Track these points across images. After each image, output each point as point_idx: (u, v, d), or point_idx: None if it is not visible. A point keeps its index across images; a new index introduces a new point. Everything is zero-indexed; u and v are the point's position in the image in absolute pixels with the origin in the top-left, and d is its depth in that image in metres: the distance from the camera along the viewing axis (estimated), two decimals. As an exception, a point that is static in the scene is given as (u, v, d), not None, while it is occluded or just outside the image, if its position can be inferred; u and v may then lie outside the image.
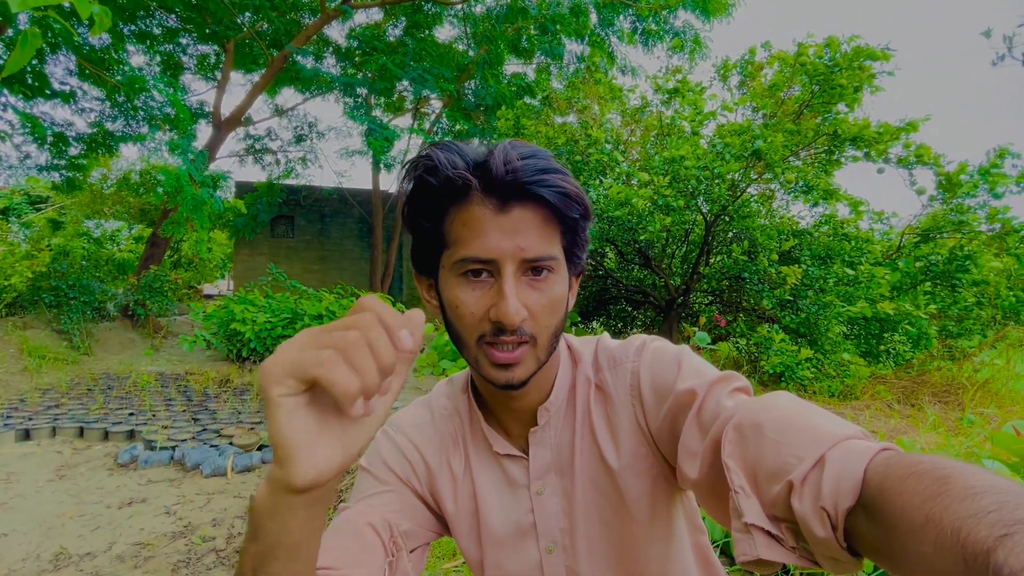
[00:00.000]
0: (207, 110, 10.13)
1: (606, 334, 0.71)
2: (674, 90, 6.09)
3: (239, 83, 11.72)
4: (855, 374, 4.93)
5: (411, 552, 0.63)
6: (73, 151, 8.91)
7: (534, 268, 0.54)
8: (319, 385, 0.35)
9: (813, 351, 4.77)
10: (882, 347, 5.57)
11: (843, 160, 5.88)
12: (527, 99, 10.01)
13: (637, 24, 9.52)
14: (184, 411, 4.46)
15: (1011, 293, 5.33)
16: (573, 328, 6.63)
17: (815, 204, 5.66)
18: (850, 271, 5.25)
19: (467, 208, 0.53)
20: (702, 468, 0.50)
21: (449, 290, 0.55)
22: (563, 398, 0.65)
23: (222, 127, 9.32)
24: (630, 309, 7.80)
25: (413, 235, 0.59)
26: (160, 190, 8.66)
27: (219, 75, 9.91)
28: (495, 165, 0.51)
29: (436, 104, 12.23)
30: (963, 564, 0.26)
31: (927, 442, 2.41)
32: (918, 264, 5.80)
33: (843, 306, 4.99)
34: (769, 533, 0.41)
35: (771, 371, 4.62)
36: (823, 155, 5.95)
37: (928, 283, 5.78)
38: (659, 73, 7.44)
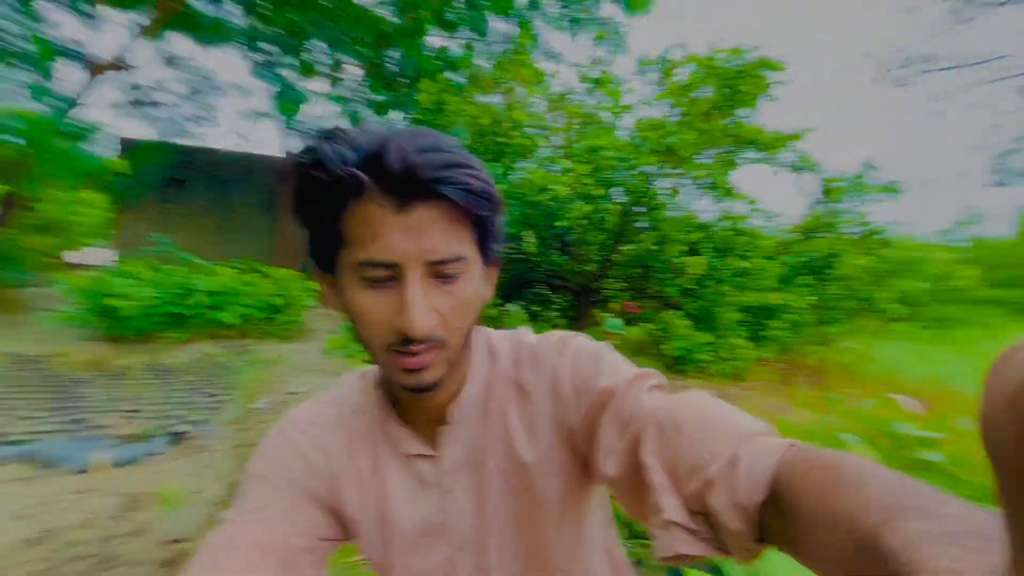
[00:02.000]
0: (78, 50, 8.68)
1: (525, 328, 0.69)
2: (597, 80, 6.22)
3: (116, 20, 10.16)
4: (743, 357, 5.46)
5: (305, 569, 0.56)
6: None
7: (443, 270, 0.49)
8: None
9: (713, 336, 5.21)
10: (766, 333, 6.23)
11: (740, 161, 6.41)
12: (450, 74, 9.73)
13: (563, 11, 9.59)
14: (47, 399, 3.89)
15: (870, 288, 6.19)
16: (493, 310, 6.65)
17: (720, 200, 6.13)
18: (744, 263, 5.77)
19: (364, 206, 0.47)
20: (620, 466, 0.50)
21: (351, 293, 0.50)
22: (476, 394, 0.62)
23: (93, 71, 8.07)
24: (548, 293, 7.98)
25: (306, 231, 0.52)
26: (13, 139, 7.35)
27: (91, 9, 8.51)
28: (390, 161, 0.45)
29: (354, 71, 11.50)
30: (854, 548, 0.29)
31: (800, 419, 2.74)
32: (800, 259, 6.53)
33: (737, 295, 5.49)
34: (688, 528, 0.42)
35: (672, 355, 4.99)
36: (728, 155, 6.43)
37: (809, 276, 6.54)
38: (584, 63, 7.57)
